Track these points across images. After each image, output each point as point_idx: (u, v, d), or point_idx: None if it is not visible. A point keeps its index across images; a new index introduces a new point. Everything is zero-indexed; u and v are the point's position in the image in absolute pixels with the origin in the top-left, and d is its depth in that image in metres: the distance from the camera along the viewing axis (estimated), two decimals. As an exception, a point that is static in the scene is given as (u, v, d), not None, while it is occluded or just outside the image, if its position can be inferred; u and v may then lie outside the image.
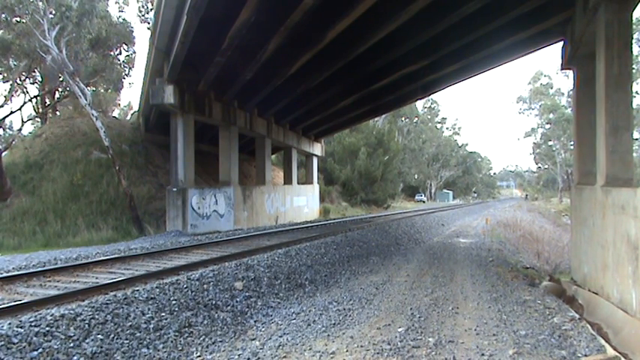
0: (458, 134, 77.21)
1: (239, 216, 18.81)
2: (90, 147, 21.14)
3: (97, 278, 7.29)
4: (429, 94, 27.87)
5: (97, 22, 18.79)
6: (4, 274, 7.21)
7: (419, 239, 17.82)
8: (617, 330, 5.77)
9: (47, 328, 4.65)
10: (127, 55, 22.70)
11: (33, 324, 4.63)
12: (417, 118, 63.83)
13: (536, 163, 63.88)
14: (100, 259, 8.83)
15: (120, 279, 6.82)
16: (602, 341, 5.53)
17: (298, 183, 27.49)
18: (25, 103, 23.85)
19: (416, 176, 65.79)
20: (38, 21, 16.65)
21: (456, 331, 5.95)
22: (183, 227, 15.66)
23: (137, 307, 5.65)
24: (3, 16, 17.47)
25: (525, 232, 21.03)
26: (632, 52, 7.33)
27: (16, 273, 7.26)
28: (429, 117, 69.41)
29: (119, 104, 40.53)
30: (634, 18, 15.54)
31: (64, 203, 17.56)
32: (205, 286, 6.95)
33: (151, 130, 23.45)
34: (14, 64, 20.44)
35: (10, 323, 4.57)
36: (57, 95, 25.92)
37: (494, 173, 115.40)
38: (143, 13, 23.03)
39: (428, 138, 65.94)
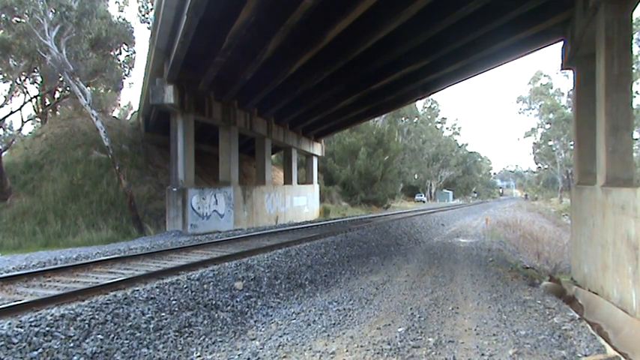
0: (458, 134, 77.34)
1: (239, 216, 18.82)
2: (90, 147, 21.13)
3: (97, 278, 7.29)
4: (429, 94, 27.87)
5: (97, 22, 18.77)
6: (4, 274, 7.21)
7: (419, 239, 17.82)
8: (617, 330, 5.77)
9: (47, 328, 4.65)
10: (127, 55, 22.66)
11: (33, 324, 4.64)
12: (417, 118, 63.82)
13: (536, 163, 63.95)
14: (100, 259, 8.83)
15: (120, 279, 6.82)
16: (602, 341, 5.53)
17: (298, 183, 27.50)
18: (25, 103, 23.79)
19: (416, 176, 65.76)
20: (38, 21, 16.63)
21: (456, 331, 5.95)
22: (183, 227, 15.67)
23: (137, 307, 5.65)
24: (3, 16, 17.45)
25: (525, 232, 21.05)
26: (632, 52, 7.32)
27: (16, 273, 7.27)
28: (429, 117, 69.41)
29: (119, 104, 40.47)
30: (634, 18, 15.52)
31: (64, 203, 17.56)
32: (205, 286, 6.95)
33: (151, 130, 23.46)
34: (14, 64, 20.39)
35: (10, 323, 4.57)
36: (57, 95, 25.86)
37: (495, 173, 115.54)
38: (143, 13, 23.04)
39: (428, 138, 65.92)
